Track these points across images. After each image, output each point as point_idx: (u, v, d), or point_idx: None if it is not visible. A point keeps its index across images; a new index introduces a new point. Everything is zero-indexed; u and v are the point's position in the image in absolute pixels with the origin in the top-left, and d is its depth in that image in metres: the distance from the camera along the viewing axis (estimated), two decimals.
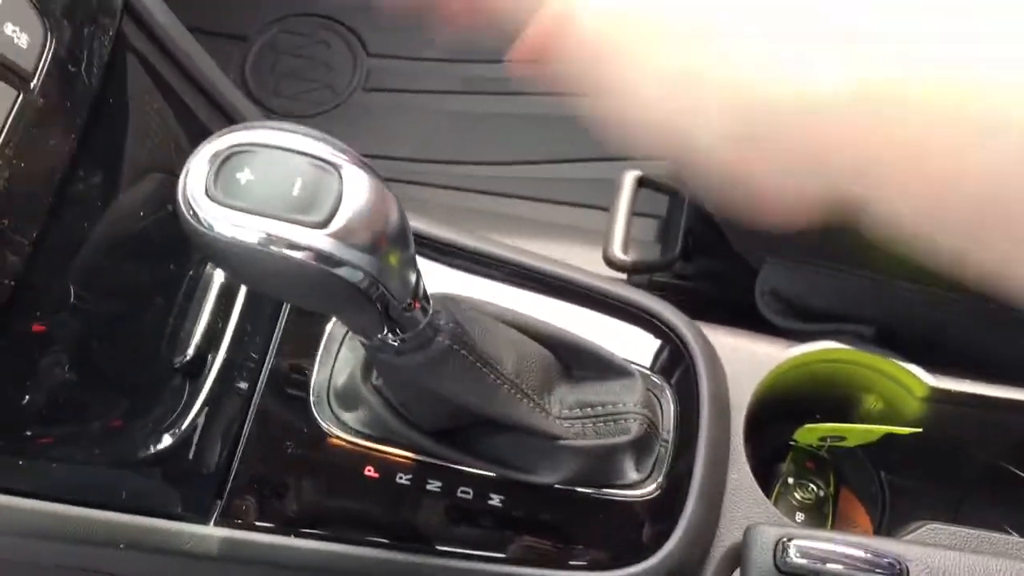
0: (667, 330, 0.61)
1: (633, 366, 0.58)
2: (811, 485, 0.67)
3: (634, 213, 0.87)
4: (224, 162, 0.36)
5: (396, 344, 0.47)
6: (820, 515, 0.66)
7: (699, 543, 0.56)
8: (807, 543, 0.48)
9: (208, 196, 0.36)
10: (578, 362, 0.58)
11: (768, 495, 0.67)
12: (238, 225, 0.35)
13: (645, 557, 0.55)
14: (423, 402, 0.52)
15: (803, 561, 0.48)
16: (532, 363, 0.55)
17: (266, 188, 0.37)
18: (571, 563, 0.55)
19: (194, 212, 0.36)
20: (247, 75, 1.27)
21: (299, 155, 0.37)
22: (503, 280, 0.61)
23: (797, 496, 0.66)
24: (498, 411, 0.51)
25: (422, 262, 0.61)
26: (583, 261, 0.92)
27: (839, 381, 0.67)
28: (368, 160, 0.39)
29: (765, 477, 0.69)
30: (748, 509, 0.59)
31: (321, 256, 0.37)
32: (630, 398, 0.55)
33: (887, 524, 0.70)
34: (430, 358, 0.48)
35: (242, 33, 1.30)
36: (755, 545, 0.49)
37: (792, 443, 0.70)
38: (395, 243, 0.40)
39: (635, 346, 0.60)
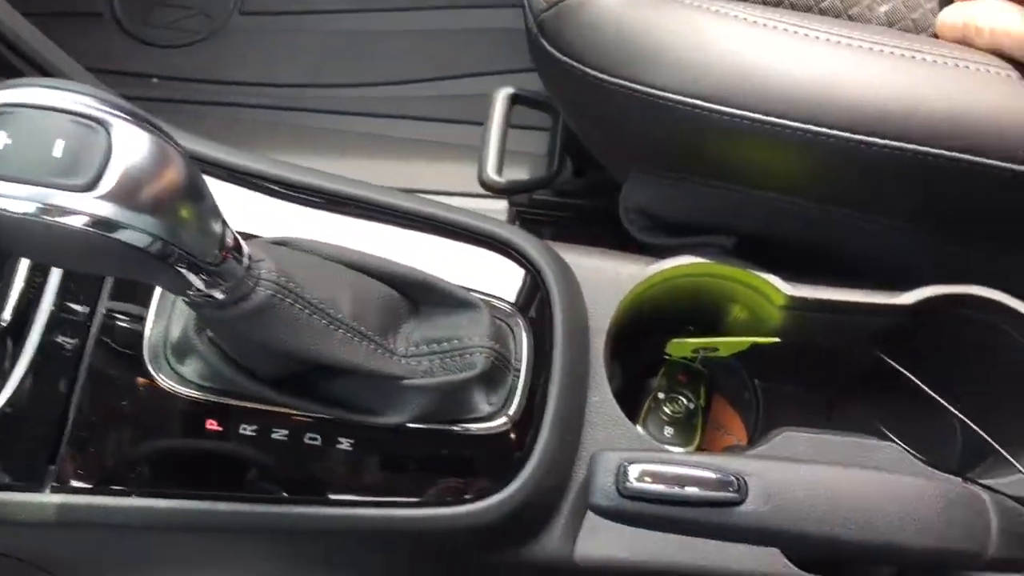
0: (519, 257, 0.59)
1: (482, 297, 0.57)
2: (681, 398, 0.67)
3: (523, 127, 0.84)
4: None
5: (215, 298, 0.45)
6: (690, 427, 0.66)
7: (556, 471, 0.56)
8: (647, 466, 0.48)
9: None
10: (424, 298, 0.56)
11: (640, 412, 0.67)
12: None
13: (500, 488, 0.54)
14: (258, 352, 0.51)
15: (643, 484, 0.47)
16: (373, 303, 0.53)
17: (25, 152, 0.34)
18: (426, 500, 0.54)
19: None
20: (115, 6, 1.20)
21: (60, 113, 0.35)
22: (347, 216, 0.59)
23: (667, 411, 0.66)
24: (335, 356, 0.50)
25: (263, 203, 0.58)
26: (467, 182, 0.90)
27: (704, 294, 0.66)
28: (147, 114, 0.37)
29: (644, 393, 0.69)
30: (610, 431, 0.59)
31: (95, 221, 0.34)
32: (476, 331, 0.54)
33: (761, 430, 0.70)
34: (253, 309, 0.46)
35: None
36: (598, 470, 0.48)
37: (667, 357, 0.69)
38: (183, 199, 0.38)
39: (486, 276, 0.59)
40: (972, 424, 0.57)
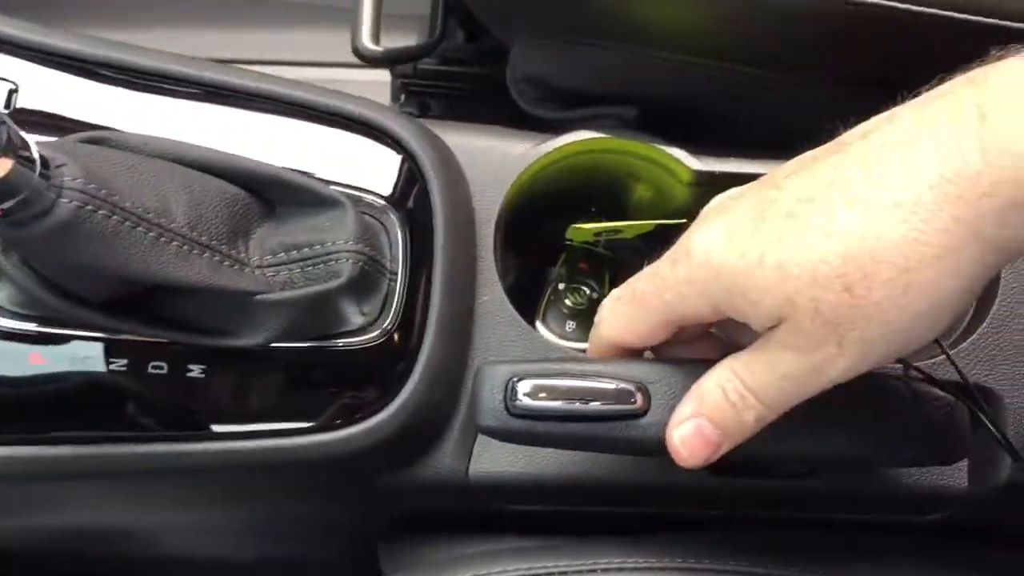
0: (390, 142, 0.52)
1: (349, 191, 0.49)
2: (583, 288, 0.61)
3: None
4: None
5: (7, 214, 0.37)
6: (593, 318, 0.61)
7: (444, 382, 0.50)
8: (538, 381, 0.42)
9: None
10: (280, 196, 0.48)
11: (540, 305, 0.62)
12: None
13: (381, 407, 0.49)
14: (76, 274, 0.43)
15: (534, 401, 0.42)
16: (216, 207, 0.45)
17: None
18: (297, 427, 0.48)
19: None
20: None
21: None
22: (180, 101, 0.50)
23: (568, 303, 0.60)
24: (169, 275, 0.42)
25: (73, 90, 0.49)
26: (344, 50, 0.80)
27: (604, 172, 0.60)
28: None
29: (544, 285, 0.63)
30: (503, 334, 0.53)
31: None
32: (340, 234, 0.47)
33: None
34: (58, 226, 0.39)
35: None
36: (483, 388, 0.42)
37: (568, 243, 0.63)
38: None
39: (353, 166, 0.51)
40: None
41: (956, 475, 0.51)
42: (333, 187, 0.49)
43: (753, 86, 0.55)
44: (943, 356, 0.48)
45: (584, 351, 0.56)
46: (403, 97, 0.81)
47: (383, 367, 0.49)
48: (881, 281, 0.33)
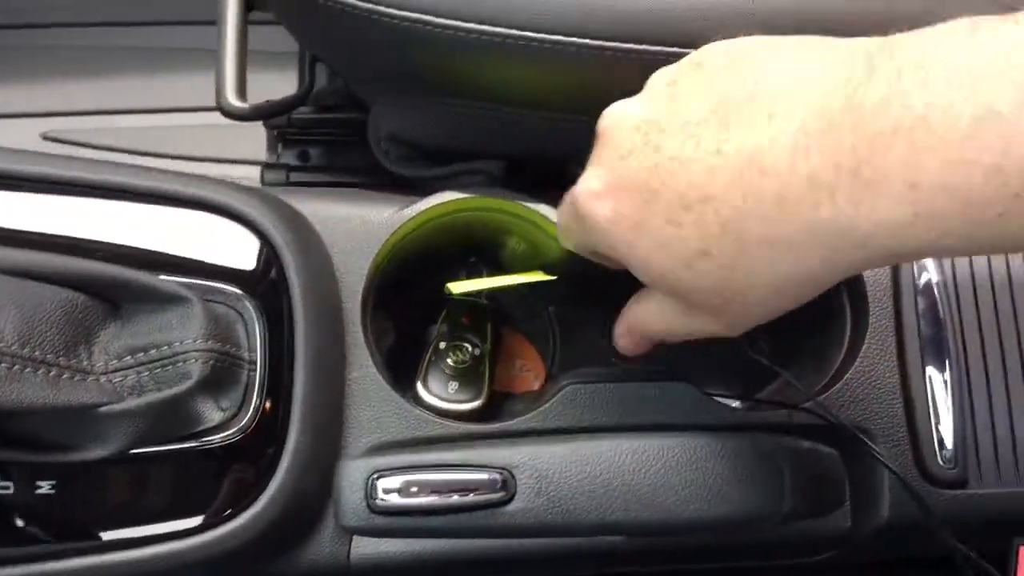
0: (243, 224, 0.50)
1: (198, 283, 0.47)
2: (466, 345, 0.60)
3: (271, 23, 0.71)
4: None
5: None
6: (477, 376, 0.60)
7: (315, 468, 0.49)
8: (400, 478, 0.41)
9: None
10: (123, 295, 0.46)
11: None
12: None
13: (251, 503, 0.47)
14: None
15: (398, 498, 0.41)
16: (50, 317, 0.43)
17: None
18: (158, 535, 0.46)
19: None
20: None
21: None
22: (19, 195, 0.47)
23: (450, 362, 0.59)
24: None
25: None
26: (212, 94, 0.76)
27: (476, 228, 0.58)
28: None
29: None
30: (377, 409, 0.51)
31: None
32: (188, 332, 0.45)
33: (559, 360, 0.65)
34: None
35: None
36: (343, 487, 0.41)
37: (448, 296, 0.62)
38: None
39: (203, 253, 0.49)
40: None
41: (841, 516, 0.51)
42: (179, 281, 0.46)
43: None
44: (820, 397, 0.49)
45: (466, 412, 0.55)
46: (280, 147, 0.79)
47: (247, 462, 0.47)
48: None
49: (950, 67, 0.29)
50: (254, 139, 0.84)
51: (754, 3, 0.46)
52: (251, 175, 0.80)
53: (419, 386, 0.57)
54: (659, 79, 0.41)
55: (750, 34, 0.38)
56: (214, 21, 0.73)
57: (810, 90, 0.33)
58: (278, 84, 0.82)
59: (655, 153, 0.37)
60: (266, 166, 0.77)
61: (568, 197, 0.43)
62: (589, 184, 0.40)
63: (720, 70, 0.37)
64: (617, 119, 0.41)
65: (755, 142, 0.33)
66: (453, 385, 0.59)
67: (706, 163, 0.35)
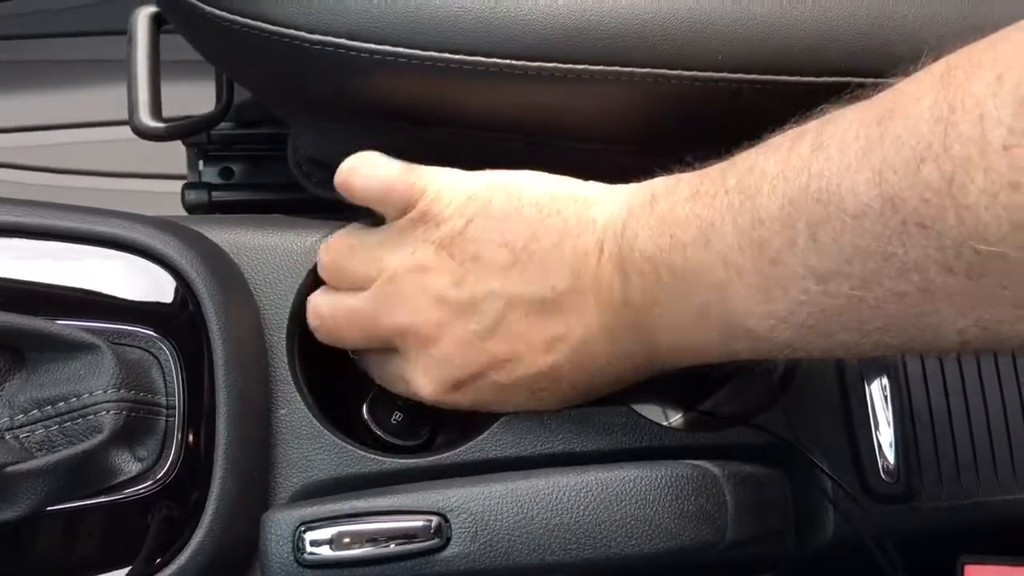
0: (154, 261, 0.47)
1: (107, 327, 0.45)
2: None
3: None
4: None
5: None
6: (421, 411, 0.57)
7: (242, 516, 0.46)
8: (328, 530, 0.39)
9: None
10: (26, 344, 0.43)
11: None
12: None
13: (173, 557, 0.44)
14: None
15: (327, 552, 0.39)
16: None
17: None
18: None
19: None
20: None
21: None
22: None
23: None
24: None
25: None
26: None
27: None
28: None
29: None
30: (306, 447, 0.49)
31: None
32: (98, 381, 0.42)
33: None
34: None
35: None
36: (269, 540, 0.39)
37: None
38: None
39: (117, 294, 0.46)
40: None
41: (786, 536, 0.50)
42: (85, 326, 0.44)
43: (556, 155, 0.52)
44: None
45: (409, 447, 0.53)
46: (201, 164, 0.75)
47: (169, 513, 0.45)
48: None
49: None
50: (175, 152, 0.81)
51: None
52: (174, 189, 0.77)
53: (365, 412, 0.54)
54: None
55: None
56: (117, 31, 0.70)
57: None
58: (197, 94, 0.79)
59: None
60: (187, 186, 0.73)
61: None
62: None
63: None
64: None
65: None
66: (398, 416, 0.56)
67: None
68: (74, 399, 0.42)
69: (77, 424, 0.42)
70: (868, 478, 0.49)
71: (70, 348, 0.43)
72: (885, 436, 0.49)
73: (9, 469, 0.40)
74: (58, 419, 0.42)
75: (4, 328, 0.42)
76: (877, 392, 0.49)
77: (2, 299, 0.44)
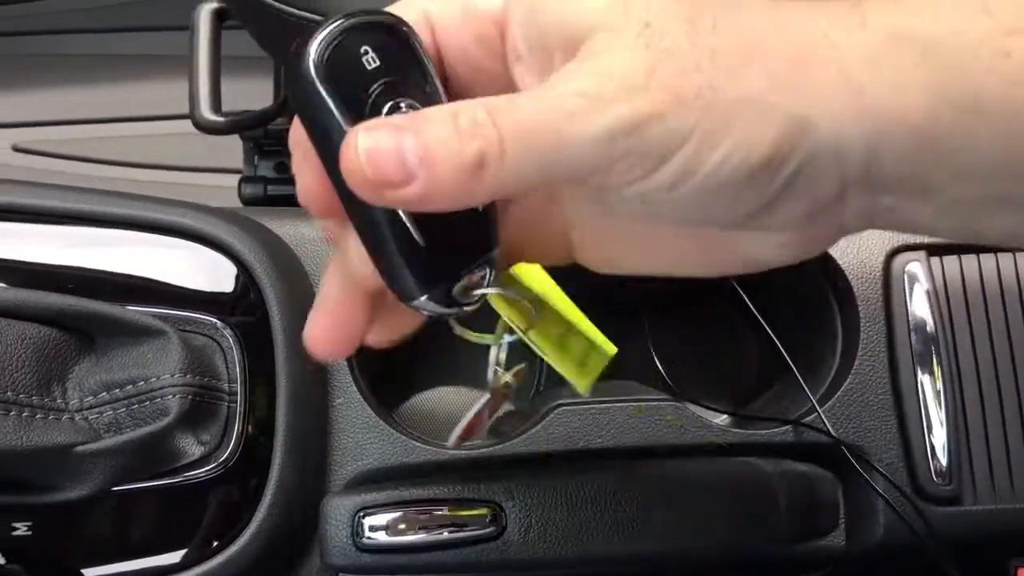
0: (217, 250, 0.48)
1: (174, 313, 0.46)
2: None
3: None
4: None
5: None
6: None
7: (300, 501, 0.47)
8: (386, 515, 0.40)
9: None
10: (98, 329, 0.45)
11: None
12: None
13: (234, 538, 0.46)
14: None
15: (385, 536, 0.40)
16: (19, 355, 0.42)
17: None
18: (139, 572, 0.45)
19: None
20: None
21: None
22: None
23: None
24: None
25: None
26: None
27: None
28: None
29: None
30: (362, 436, 0.50)
31: None
32: (165, 366, 0.44)
33: (548, 372, 0.63)
34: None
35: None
36: (329, 524, 0.40)
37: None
38: None
39: (179, 282, 0.47)
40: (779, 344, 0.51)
41: (836, 534, 0.50)
42: (154, 312, 0.45)
43: None
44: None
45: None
46: (257, 158, 0.77)
47: (229, 496, 0.46)
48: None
49: None
50: (233, 146, 0.82)
51: None
52: (231, 183, 0.78)
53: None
54: None
55: None
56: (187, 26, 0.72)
57: None
58: (256, 89, 0.81)
59: None
60: (244, 179, 0.75)
61: None
62: None
63: None
64: None
65: None
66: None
67: None
68: (142, 383, 0.43)
69: (144, 407, 0.43)
70: (920, 480, 0.48)
71: (139, 333, 0.44)
72: (938, 438, 0.49)
73: (78, 449, 0.42)
74: (126, 401, 0.43)
75: (76, 312, 0.44)
76: (931, 394, 0.49)
77: (74, 285, 0.45)
